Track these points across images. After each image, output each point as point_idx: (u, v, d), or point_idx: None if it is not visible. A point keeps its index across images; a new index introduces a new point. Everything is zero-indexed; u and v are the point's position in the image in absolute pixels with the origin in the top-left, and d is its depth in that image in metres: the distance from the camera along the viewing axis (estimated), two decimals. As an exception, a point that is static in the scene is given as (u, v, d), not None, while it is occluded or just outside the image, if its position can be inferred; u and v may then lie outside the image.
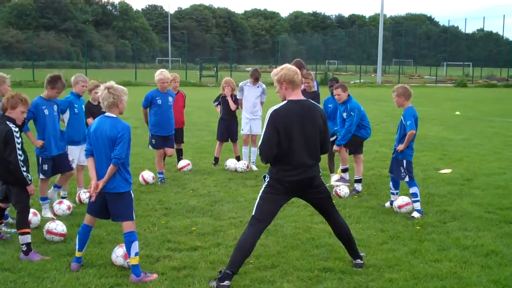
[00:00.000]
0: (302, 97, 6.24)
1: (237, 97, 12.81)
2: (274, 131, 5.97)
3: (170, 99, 11.14)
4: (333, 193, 9.85)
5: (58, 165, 8.70)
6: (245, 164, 12.36)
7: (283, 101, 6.21)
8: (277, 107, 6.06)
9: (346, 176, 10.77)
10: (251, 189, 10.46)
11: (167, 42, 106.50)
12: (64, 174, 8.91)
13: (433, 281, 6.18)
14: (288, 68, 6.21)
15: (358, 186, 10.40)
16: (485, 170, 12.50)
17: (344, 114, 10.31)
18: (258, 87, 12.65)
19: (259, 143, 6.07)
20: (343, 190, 10.06)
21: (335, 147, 10.36)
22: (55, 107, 8.65)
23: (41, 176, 8.60)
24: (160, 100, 11.03)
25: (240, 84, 12.90)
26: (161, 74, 11.04)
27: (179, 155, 12.62)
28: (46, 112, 8.46)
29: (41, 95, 8.57)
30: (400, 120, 9.06)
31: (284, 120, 5.98)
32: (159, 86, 11.06)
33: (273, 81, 6.25)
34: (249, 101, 12.52)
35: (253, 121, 12.57)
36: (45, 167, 8.57)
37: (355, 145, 10.50)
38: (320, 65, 71.76)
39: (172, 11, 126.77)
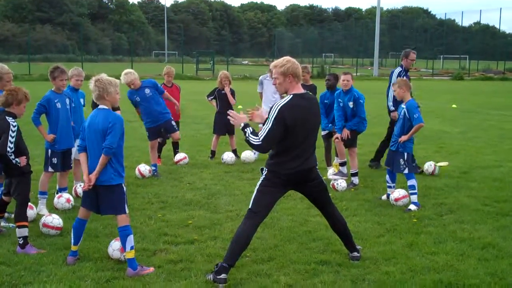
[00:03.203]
0: (303, 91, 6.21)
1: (258, 90, 13.12)
2: (281, 127, 5.88)
3: (147, 90, 11.08)
4: (330, 186, 9.85)
5: (64, 160, 8.66)
6: (252, 154, 12.59)
7: (282, 93, 6.16)
8: (285, 102, 5.95)
9: (344, 169, 10.75)
10: (248, 182, 10.45)
11: (164, 36, 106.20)
12: (62, 172, 8.85)
13: (430, 274, 6.17)
14: (293, 61, 6.12)
15: (355, 180, 10.41)
16: (482, 163, 12.51)
17: (350, 103, 10.33)
18: None
19: (261, 135, 5.91)
20: (341, 184, 10.06)
21: (345, 130, 10.42)
22: (67, 100, 8.63)
23: (50, 169, 8.55)
24: (138, 97, 11.09)
25: (260, 77, 13.13)
26: (124, 78, 10.90)
27: (175, 148, 12.60)
28: (59, 105, 8.45)
29: (52, 89, 8.54)
30: (401, 113, 9.07)
31: (290, 114, 5.90)
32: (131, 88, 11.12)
33: (274, 73, 6.13)
34: (268, 94, 12.60)
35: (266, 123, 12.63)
36: (55, 160, 8.54)
37: (351, 139, 10.49)
38: (316, 58, 71.78)
39: (168, 4, 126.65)
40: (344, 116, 10.51)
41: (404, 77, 11.06)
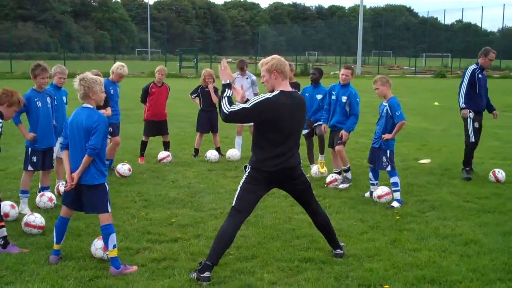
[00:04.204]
0: (291, 89, 6.22)
1: None
2: (253, 116, 6.00)
3: (112, 91, 11.08)
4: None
5: (44, 159, 8.58)
6: (237, 152, 12.58)
7: (270, 91, 6.17)
8: (270, 96, 6.01)
9: (349, 175, 10.40)
10: (232, 180, 10.45)
11: (147, 33, 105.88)
12: (44, 171, 8.78)
13: (413, 270, 6.21)
14: (279, 58, 6.18)
15: (339, 178, 10.39)
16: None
17: (344, 98, 10.11)
18: (247, 78, 12.75)
19: (234, 108, 5.99)
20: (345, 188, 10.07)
21: (345, 134, 10.13)
22: (49, 99, 8.55)
23: (30, 168, 8.46)
24: (113, 90, 11.11)
25: None
26: (125, 70, 10.96)
27: (166, 147, 12.56)
28: (39, 104, 8.36)
29: (33, 88, 8.47)
30: (383, 110, 9.07)
31: (273, 110, 5.94)
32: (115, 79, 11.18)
33: (262, 71, 6.19)
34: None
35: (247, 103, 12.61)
36: (34, 159, 8.44)
37: (337, 137, 10.29)
38: (300, 56, 71.82)
39: (151, 2, 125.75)
40: (333, 111, 10.30)
41: (480, 75, 11.05)
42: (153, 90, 12.21)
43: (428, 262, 6.48)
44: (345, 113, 10.18)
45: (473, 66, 11.37)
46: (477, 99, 11.09)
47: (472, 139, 11.03)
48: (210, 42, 68.52)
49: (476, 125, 11.05)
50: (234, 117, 6.04)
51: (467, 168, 11.05)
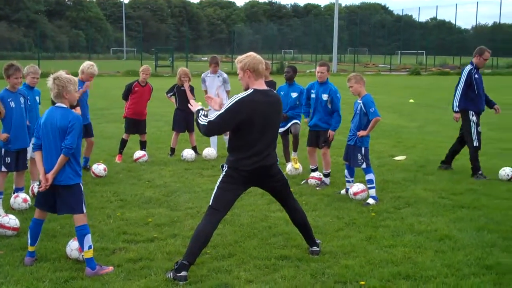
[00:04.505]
0: (266, 87, 6.22)
1: (202, 88, 12.96)
2: (231, 120, 5.94)
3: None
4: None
5: (18, 160, 8.48)
6: (214, 151, 12.61)
7: (246, 89, 6.17)
8: (243, 96, 6.00)
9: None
10: (208, 179, 10.43)
11: (122, 32, 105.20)
12: (18, 172, 8.69)
13: (388, 267, 6.26)
14: (253, 56, 6.16)
15: (327, 180, 10.38)
16: (439, 156, 12.67)
17: (324, 96, 9.98)
18: (218, 76, 12.70)
19: (211, 118, 5.97)
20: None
21: (332, 133, 10.06)
22: (22, 99, 8.45)
23: (3, 169, 8.35)
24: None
25: (202, 75, 13.01)
26: (95, 70, 10.85)
27: (142, 147, 12.50)
28: (12, 104, 8.26)
29: (6, 88, 8.37)
30: (357, 107, 9.10)
31: (248, 110, 5.93)
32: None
33: (237, 68, 6.20)
34: (212, 92, 12.47)
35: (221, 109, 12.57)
36: (8, 160, 8.34)
37: (322, 138, 10.15)
38: (276, 55, 71.90)
39: (126, 1, 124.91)
40: (314, 110, 10.21)
41: (476, 76, 10.84)
42: (136, 89, 12.17)
43: (403, 258, 6.54)
44: (327, 112, 10.07)
45: (469, 67, 11.07)
46: (477, 99, 10.87)
47: (475, 144, 10.75)
48: (186, 40, 68.40)
49: (480, 129, 10.84)
50: (213, 127, 5.99)
51: (479, 172, 10.70)
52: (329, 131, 10.03)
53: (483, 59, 11.07)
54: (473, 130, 10.79)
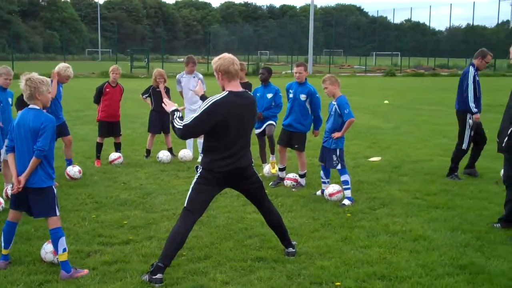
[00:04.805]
0: (240, 88, 6.21)
1: (177, 89, 12.85)
2: (207, 122, 5.92)
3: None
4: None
5: None
6: (190, 153, 12.57)
7: (223, 90, 6.16)
8: (217, 98, 5.97)
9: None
10: (184, 181, 10.40)
11: (97, 33, 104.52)
12: None
13: (364, 267, 6.30)
14: (224, 58, 6.14)
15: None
16: (413, 157, 12.83)
17: (302, 96, 9.92)
18: (194, 77, 12.62)
19: (186, 121, 5.96)
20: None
21: (318, 133, 10.28)
22: None
23: None
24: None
25: (177, 76, 12.85)
26: (71, 72, 10.69)
27: (117, 148, 12.41)
28: None
29: None
30: (332, 109, 9.14)
31: (223, 112, 5.92)
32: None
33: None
34: (187, 92, 12.41)
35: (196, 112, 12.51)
36: None
37: (296, 140, 10.15)
38: (252, 56, 72.05)
39: (101, 1, 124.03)
40: (290, 109, 10.15)
41: (477, 78, 10.68)
42: (107, 90, 12.04)
43: (379, 258, 6.58)
44: (304, 112, 10.04)
45: (472, 70, 10.71)
46: (477, 102, 10.75)
47: (464, 146, 10.74)
48: (162, 41, 68.13)
49: (472, 133, 10.76)
50: (188, 130, 5.98)
51: (455, 174, 10.76)
52: (314, 131, 10.26)
53: (485, 62, 10.89)
54: (467, 133, 10.75)
